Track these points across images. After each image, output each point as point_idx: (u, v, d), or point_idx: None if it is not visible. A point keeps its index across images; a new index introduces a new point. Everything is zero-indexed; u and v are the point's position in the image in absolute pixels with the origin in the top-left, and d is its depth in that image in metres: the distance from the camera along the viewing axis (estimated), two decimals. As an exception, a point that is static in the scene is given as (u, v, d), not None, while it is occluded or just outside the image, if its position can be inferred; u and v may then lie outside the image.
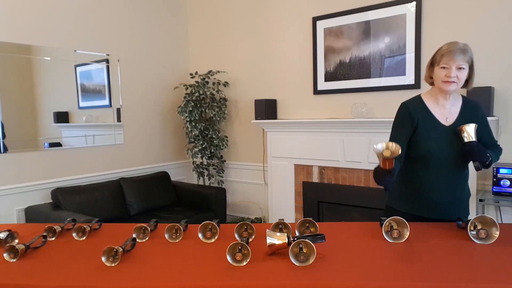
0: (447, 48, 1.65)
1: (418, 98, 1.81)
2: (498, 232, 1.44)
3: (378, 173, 1.59)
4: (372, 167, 3.40)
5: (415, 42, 3.22)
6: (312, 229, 1.57)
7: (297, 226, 1.58)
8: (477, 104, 1.79)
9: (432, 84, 1.77)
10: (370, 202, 3.46)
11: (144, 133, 4.37)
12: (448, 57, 1.63)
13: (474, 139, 1.65)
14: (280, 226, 1.57)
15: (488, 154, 1.68)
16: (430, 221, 1.75)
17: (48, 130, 3.54)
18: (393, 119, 1.82)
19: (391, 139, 1.78)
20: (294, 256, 1.30)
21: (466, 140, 1.66)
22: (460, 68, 1.64)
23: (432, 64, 1.72)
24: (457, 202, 1.78)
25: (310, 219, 1.60)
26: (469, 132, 1.65)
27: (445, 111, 1.75)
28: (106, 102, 3.99)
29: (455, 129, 1.70)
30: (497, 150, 1.82)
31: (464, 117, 1.74)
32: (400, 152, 1.49)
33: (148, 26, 4.35)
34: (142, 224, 1.65)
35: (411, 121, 1.74)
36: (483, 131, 1.78)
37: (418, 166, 1.76)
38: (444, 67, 1.65)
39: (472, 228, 1.48)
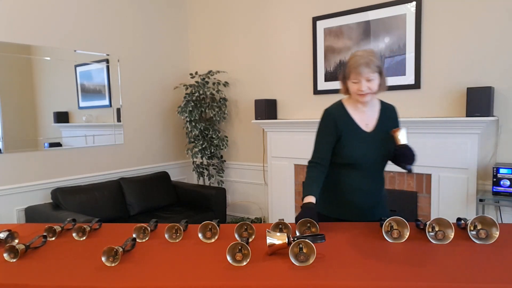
0: (352, 64, 1.70)
1: (340, 105, 1.84)
2: (498, 232, 1.44)
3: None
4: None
5: (415, 42, 3.22)
6: (313, 229, 1.57)
7: (297, 226, 1.58)
8: (392, 107, 1.87)
9: (349, 94, 1.82)
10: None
11: (144, 133, 4.37)
12: (355, 73, 1.69)
13: (406, 142, 1.71)
14: (280, 226, 1.57)
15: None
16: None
17: (48, 130, 3.54)
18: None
19: (316, 145, 1.84)
20: (294, 256, 1.30)
21: (400, 143, 1.70)
22: (369, 80, 1.69)
23: (344, 77, 1.78)
24: (378, 204, 1.85)
25: (311, 219, 1.59)
26: (402, 135, 1.70)
27: (365, 116, 1.80)
28: (106, 102, 3.99)
29: (388, 133, 1.75)
30: None
31: (382, 121, 1.80)
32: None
33: (148, 26, 4.35)
34: (142, 224, 1.65)
35: (336, 129, 1.78)
36: None
37: (343, 172, 1.80)
38: (355, 82, 1.71)
39: (472, 228, 1.48)
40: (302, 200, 1.72)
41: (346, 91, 1.81)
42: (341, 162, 1.79)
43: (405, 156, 1.70)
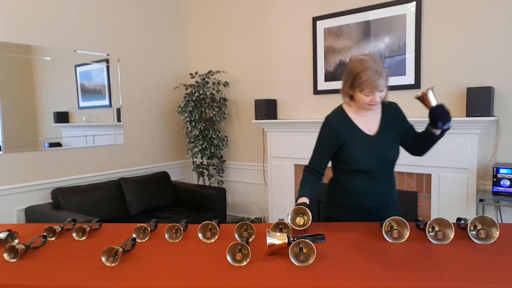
0: (368, 79, 1.60)
1: (341, 111, 1.81)
2: (498, 232, 1.44)
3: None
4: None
5: (415, 42, 3.22)
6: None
7: (290, 215, 1.60)
8: (394, 105, 1.85)
9: (351, 99, 1.74)
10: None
11: (144, 133, 4.37)
12: (370, 88, 1.62)
13: (437, 103, 1.64)
14: (280, 226, 1.57)
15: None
16: None
17: (48, 130, 3.54)
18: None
19: (313, 152, 1.84)
20: (294, 256, 1.30)
21: (432, 105, 1.64)
22: (382, 90, 1.67)
23: (354, 88, 1.67)
24: (389, 205, 1.84)
25: (302, 207, 1.63)
26: (431, 97, 1.64)
27: (367, 120, 1.78)
28: (106, 102, 3.99)
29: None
30: None
31: (385, 122, 1.79)
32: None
33: (148, 26, 4.35)
34: (142, 224, 1.65)
35: (336, 139, 1.76)
36: (408, 127, 1.84)
37: (351, 177, 1.80)
38: (368, 95, 1.66)
39: (472, 228, 1.48)
40: (296, 201, 1.75)
41: (350, 96, 1.74)
42: (348, 168, 1.78)
43: (444, 115, 1.62)
